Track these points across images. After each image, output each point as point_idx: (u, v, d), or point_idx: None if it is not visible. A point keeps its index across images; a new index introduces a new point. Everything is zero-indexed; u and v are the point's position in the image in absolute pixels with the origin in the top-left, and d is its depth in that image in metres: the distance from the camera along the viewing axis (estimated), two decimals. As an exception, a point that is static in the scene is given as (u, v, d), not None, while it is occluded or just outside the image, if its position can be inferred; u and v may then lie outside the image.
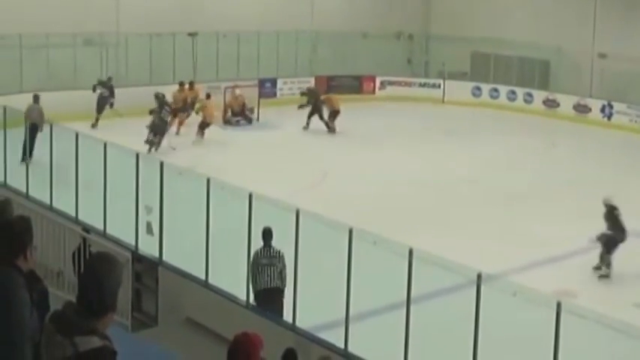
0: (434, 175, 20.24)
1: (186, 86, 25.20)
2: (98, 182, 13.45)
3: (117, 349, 3.62)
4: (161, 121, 21.96)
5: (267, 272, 10.69)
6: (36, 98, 20.94)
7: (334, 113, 25.08)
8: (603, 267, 14.24)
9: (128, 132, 21.10)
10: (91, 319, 3.59)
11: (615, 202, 14.63)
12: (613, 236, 14.31)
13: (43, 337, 3.74)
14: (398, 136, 24.40)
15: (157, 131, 21.78)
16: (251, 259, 10.86)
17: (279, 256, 10.80)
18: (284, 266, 10.73)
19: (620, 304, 12.26)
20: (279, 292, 10.74)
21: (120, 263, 3.79)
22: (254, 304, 10.96)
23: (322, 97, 26.00)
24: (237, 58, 29.28)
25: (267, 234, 11.00)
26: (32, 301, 4.29)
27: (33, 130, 17.95)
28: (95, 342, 3.55)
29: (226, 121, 26.12)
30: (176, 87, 25.16)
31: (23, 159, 16.86)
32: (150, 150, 21.17)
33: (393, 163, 21.74)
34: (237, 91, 26.59)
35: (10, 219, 4.95)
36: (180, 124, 24.17)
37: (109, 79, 25.05)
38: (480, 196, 18.78)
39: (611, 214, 14.45)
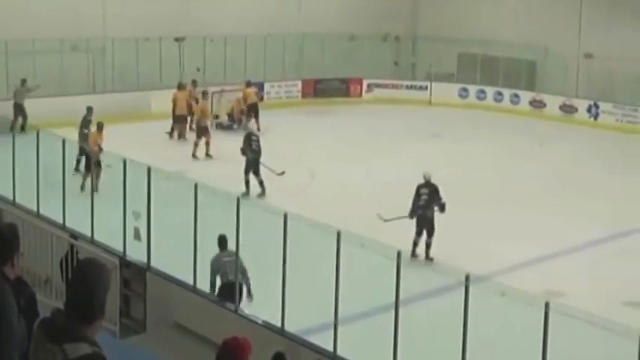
0: (420, 176, 20.24)
1: (189, 87, 25.18)
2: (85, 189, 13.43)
3: (105, 356, 3.62)
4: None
5: (229, 268, 11.45)
6: (23, 82, 23.52)
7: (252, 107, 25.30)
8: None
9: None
10: (81, 325, 3.59)
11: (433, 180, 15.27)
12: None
13: (32, 344, 3.73)
14: (384, 138, 24.43)
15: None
16: (211, 260, 11.66)
17: (236, 257, 11.35)
18: (245, 270, 11.47)
19: (608, 303, 12.31)
20: (239, 286, 11.38)
21: (108, 269, 3.79)
22: (243, 311, 10.98)
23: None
24: (224, 63, 29.28)
25: (222, 241, 11.77)
26: (19, 307, 4.29)
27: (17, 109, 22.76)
28: (85, 349, 3.55)
29: (219, 125, 26.08)
30: (168, 92, 25.03)
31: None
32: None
33: (379, 165, 21.76)
34: (239, 94, 26.48)
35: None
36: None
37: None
38: (467, 198, 18.79)
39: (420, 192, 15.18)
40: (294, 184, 19.52)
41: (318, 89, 31.58)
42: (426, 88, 32.23)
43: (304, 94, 31.32)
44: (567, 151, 24.27)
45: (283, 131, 25.19)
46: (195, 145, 22.05)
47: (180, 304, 11.60)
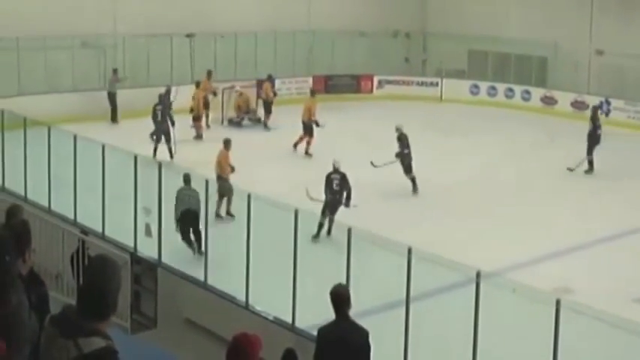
0: (432, 173, 20.23)
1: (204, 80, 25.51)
2: (96, 184, 13.47)
3: (118, 350, 3.64)
4: None
5: (188, 199, 13.92)
6: (114, 71, 25.14)
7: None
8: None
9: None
10: (93, 320, 3.61)
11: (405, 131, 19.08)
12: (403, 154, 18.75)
13: (44, 340, 3.74)
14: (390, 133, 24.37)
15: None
16: (176, 193, 13.88)
17: (196, 192, 13.71)
18: (198, 201, 13.46)
19: (619, 300, 12.27)
20: (196, 214, 13.58)
21: (120, 266, 3.80)
22: (254, 307, 10.98)
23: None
24: (234, 59, 29.29)
25: (186, 177, 14.24)
26: (30, 303, 4.30)
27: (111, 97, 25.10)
28: (99, 342, 3.57)
29: (230, 121, 26.12)
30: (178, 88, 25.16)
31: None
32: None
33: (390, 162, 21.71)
34: (238, 87, 26.51)
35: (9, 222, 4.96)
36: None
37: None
38: (479, 194, 18.78)
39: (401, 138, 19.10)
40: (305, 180, 19.50)
41: (329, 85, 31.54)
42: (437, 84, 32.16)
43: (315, 91, 31.24)
44: (578, 147, 24.14)
45: (295, 128, 25.19)
46: None
47: (191, 300, 11.62)
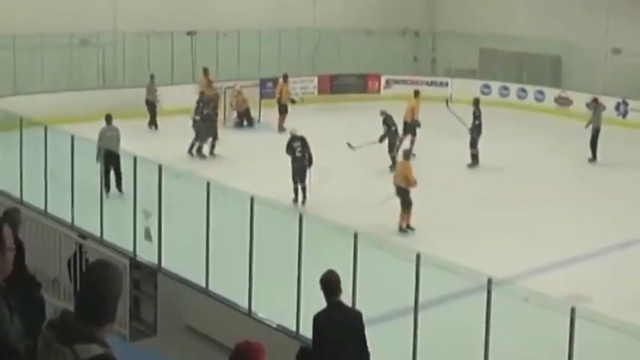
0: (440, 176, 20.21)
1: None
2: (94, 186, 13.47)
3: (116, 358, 3.62)
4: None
5: (109, 139, 17.04)
6: (152, 77, 25.03)
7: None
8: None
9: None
10: (92, 327, 3.59)
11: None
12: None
13: (40, 344, 3.72)
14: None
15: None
16: (99, 132, 17.28)
17: (118, 132, 17.55)
18: (119, 140, 17.18)
19: (636, 309, 12.22)
20: (116, 153, 16.77)
21: (120, 271, 3.79)
22: (256, 314, 10.96)
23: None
24: (237, 58, 29.32)
25: (108, 117, 18.06)
26: (10, 307, 4.18)
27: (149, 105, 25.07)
28: (96, 349, 3.55)
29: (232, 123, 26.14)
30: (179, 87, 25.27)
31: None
32: None
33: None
34: (237, 87, 26.49)
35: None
36: None
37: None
38: (489, 198, 18.75)
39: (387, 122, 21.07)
40: (310, 183, 19.52)
41: (335, 85, 31.55)
42: (447, 84, 32.13)
43: (320, 90, 31.30)
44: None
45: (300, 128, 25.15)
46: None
47: (192, 306, 11.61)
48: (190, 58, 28.54)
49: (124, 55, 27.48)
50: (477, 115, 22.10)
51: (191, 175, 14.58)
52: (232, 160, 21.42)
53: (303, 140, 18.09)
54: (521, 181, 20.39)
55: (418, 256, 9.06)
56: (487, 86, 31.69)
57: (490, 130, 23.48)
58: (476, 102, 22.68)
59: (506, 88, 31.45)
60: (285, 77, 26.63)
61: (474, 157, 21.83)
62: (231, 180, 15.98)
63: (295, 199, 17.59)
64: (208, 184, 11.56)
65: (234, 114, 26.22)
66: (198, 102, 22.37)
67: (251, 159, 21.51)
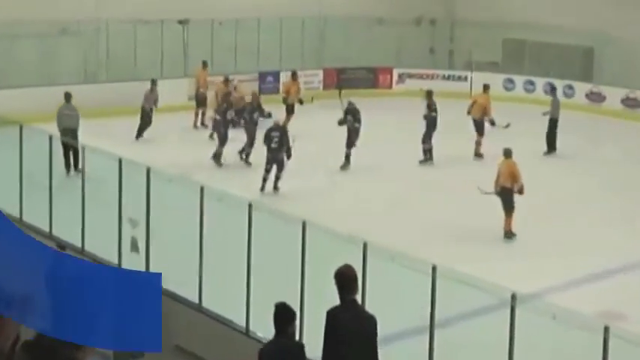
0: (459, 181, 20.20)
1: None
2: (75, 192, 13.48)
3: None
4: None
5: (68, 119, 19.62)
6: (153, 83, 24.07)
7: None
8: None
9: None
10: (70, 349, 3.61)
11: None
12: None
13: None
14: (418, 136, 24.38)
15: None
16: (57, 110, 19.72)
17: (77, 110, 19.84)
18: (79, 116, 19.79)
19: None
20: (75, 131, 19.44)
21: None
22: (255, 333, 10.98)
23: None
24: (234, 49, 29.36)
25: (67, 95, 20.30)
26: None
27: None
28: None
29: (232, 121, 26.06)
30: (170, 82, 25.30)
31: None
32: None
33: (410, 167, 21.72)
34: (234, 82, 26.50)
35: None
36: None
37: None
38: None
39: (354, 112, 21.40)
40: (314, 188, 19.54)
41: (342, 80, 31.57)
42: (466, 78, 32.17)
43: (326, 85, 31.35)
44: (629, 152, 24.09)
45: (303, 128, 25.19)
46: None
47: (183, 324, 11.61)
48: (182, 49, 28.60)
49: (108, 46, 27.52)
50: (433, 108, 22.46)
51: (183, 180, 14.59)
52: (229, 164, 21.41)
53: (282, 131, 19.27)
54: (546, 187, 20.36)
55: (434, 269, 9.07)
56: (511, 80, 31.71)
57: (515, 128, 23.50)
58: (429, 94, 23.02)
59: (531, 82, 31.48)
60: (295, 75, 26.60)
61: (427, 153, 22.25)
62: (228, 185, 16.02)
63: (262, 188, 18.94)
64: (202, 190, 11.56)
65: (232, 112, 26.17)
66: (221, 102, 22.25)
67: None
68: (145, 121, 23.67)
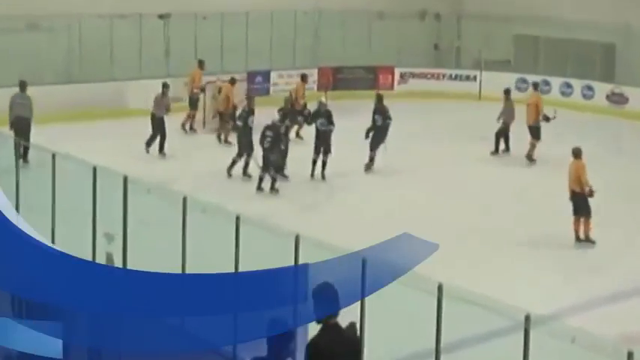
0: (467, 192, 20.20)
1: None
2: (45, 202, 13.44)
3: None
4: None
5: (20, 108, 21.14)
6: (165, 87, 23.66)
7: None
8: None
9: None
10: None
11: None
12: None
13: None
14: (422, 142, 24.40)
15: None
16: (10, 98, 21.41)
17: (30, 100, 21.35)
18: (32, 105, 21.21)
19: None
20: (27, 120, 21.02)
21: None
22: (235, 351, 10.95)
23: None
24: (220, 46, 29.35)
25: (22, 83, 21.77)
26: None
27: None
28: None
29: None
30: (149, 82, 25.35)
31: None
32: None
33: (414, 177, 21.69)
34: (218, 82, 26.48)
35: None
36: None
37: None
38: (526, 219, 18.72)
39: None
40: (308, 201, 19.55)
41: (339, 80, 31.60)
42: (475, 78, 32.23)
43: (321, 86, 31.29)
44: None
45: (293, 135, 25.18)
46: None
47: (164, 348, 11.57)
48: (163, 46, 28.57)
49: (82, 42, 27.46)
50: (388, 115, 22.29)
51: (164, 190, 14.56)
52: (216, 172, 21.39)
53: (276, 130, 20.16)
54: (562, 198, 20.34)
55: (440, 288, 9.05)
56: (524, 80, 31.69)
57: (526, 133, 23.52)
58: (379, 98, 22.89)
59: (547, 82, 31.45)
60: (304, 77, 26.76)
61: (373, 160, 22.22)
62: (213, 196, 16.00)
63: (258, 187, 19.97)
64: (185, 201, 11.54)
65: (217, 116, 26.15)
66: (245, 108, 22.10)
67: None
68: (157, 133, 22.96)
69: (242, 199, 18.67)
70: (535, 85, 25.22)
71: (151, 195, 13.75)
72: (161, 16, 28.33)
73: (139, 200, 12.54)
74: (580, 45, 31.33)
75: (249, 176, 20.78)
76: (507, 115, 24.20)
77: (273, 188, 19.88)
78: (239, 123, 21.50)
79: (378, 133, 21.99)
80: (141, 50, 27.97)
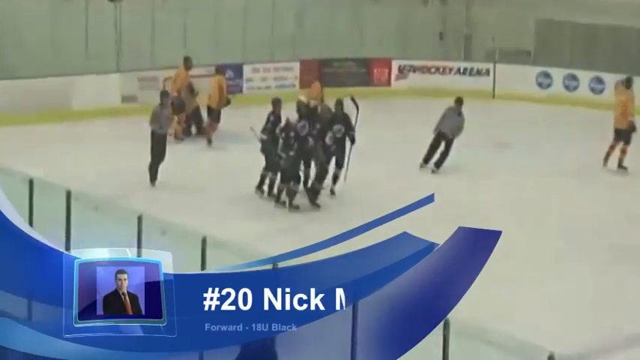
0: (481, 207, 20.22)
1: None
2: None
3: None
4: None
5: None
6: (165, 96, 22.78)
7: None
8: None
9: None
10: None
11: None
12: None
13: None
14: (425, 149, 24.42)
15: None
16: None
17: None
18: None
19: None
20: None
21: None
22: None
23: None
24: (183, 35, 29.34)
25: None
26: None
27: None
28: None
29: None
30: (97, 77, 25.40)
31: None
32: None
33: (418, 188, 21.65)
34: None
35: None
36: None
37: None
38: (551, 240, 18.77)
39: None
40: (285, 220, 19.57)
41: (326, 75, 31.54)
42: (487, 72, 32.25)
43: (304, 83, 31.29)
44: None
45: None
46: None
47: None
48: (114, 35, 28.54)
49: (16, 30, 27.40)
50: (351, 126, 21.40)
51: (113, 206, 14.55)
52: (178, 186, 21.39)
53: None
54: (594, 218, 20.39)
55: (446, 325, 9.08)
56: (547, 75, 31.81)
57: (550, 140, 23.58)
58: (339, 103, 21.65)
59: (574, 77, 31.56)
60: (320, 79, 27.13)
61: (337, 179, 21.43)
62: (175, 213, 16.00)
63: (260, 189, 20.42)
64: (140, 220, 11.55)
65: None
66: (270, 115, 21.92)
67: (208, 181, 21.56)
68: (161, 155, 21.77)
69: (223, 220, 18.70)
70: (628, 81, 24.92)
71: (99, 212, 13.78)
72: (112, 0, 28.34)
73: (86, 218, 12.55)
74: (614, 32, 31.46)
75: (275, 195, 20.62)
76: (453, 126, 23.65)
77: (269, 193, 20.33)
78: (263, 137, 21.11)
79: (338, 147, 21.24)
80: (87, 40, 27.95)
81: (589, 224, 19.58)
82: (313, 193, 20.20)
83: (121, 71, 27.40)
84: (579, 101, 30.90)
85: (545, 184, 22.18)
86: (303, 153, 19.98)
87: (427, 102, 30.41)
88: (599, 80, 31.27)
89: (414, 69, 32.78)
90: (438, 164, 23.25)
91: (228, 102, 25.01)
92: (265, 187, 20.73)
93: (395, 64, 32.83)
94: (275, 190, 20.43)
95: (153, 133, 21.73)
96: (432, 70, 32.67)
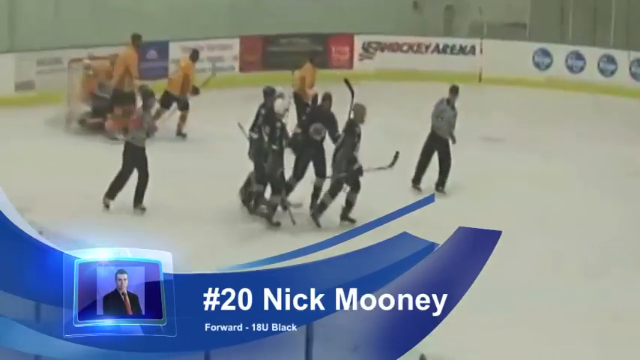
0: (465, 214, 20.30)
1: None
2: None
3: None
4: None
5: None
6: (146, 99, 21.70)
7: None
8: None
9: None
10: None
11: None
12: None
13: None
14: (398, 145, 24.53)
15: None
16: None
17: None
18: None
19: None
20: None
21: None
22: None
23: None
24: (93, 8, 29.37)
25: None
26: None
27: None
28: None
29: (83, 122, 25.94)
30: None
31: None
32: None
33: (391, 192, 21.77)
34: (86, 60, 26.47)
35: None
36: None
37: None
38: (555, 257, 18.93)
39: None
40: (250, 231, 19.67)
41: (271, 54, 31.68)
42: (473, 50, 32.45)
43: (245, 65, 31.46)
44: None
45: (205, 134, 25.26)
46: None
47: None
48: (6, 8, 28.57)
49: None
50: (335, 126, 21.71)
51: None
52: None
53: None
54: (601, 223, 20.60)
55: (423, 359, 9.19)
56: (545, 52, 32.04)
57: (548, 132, 23.76)
58: (328, 97, 22.62)
59: (579, 56, 31.81)
60: (313, 55, 27.41)
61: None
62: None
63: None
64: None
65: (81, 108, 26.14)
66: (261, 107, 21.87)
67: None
68: (130, 170, 20.57)
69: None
70: None
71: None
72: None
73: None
74: (627, 3, 31.69)
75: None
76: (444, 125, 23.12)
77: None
78: (254, 135, 21.05)
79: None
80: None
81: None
82: (318, 209, 20.31)
83: (14, 51, 27.37)
84: (585, 86, 31.15)
85: (545, 185, 22.36)
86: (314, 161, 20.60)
87: (398, 87, 30.61)
88: (611, 60, 31.53)
89: (383, 46, 32.93)
90: (441, 183, 22.68)
91: (195, 93, 25.42)
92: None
93: (358, 41, 32.95)
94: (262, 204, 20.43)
95: (126, 144, 20.67)
96: (405, 47, 32.81)
